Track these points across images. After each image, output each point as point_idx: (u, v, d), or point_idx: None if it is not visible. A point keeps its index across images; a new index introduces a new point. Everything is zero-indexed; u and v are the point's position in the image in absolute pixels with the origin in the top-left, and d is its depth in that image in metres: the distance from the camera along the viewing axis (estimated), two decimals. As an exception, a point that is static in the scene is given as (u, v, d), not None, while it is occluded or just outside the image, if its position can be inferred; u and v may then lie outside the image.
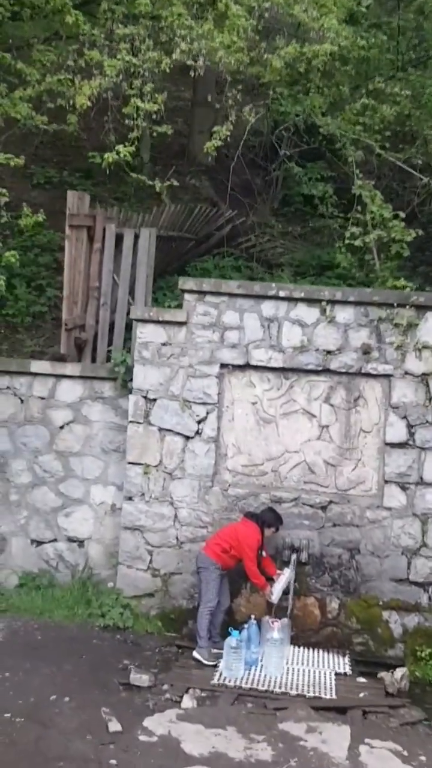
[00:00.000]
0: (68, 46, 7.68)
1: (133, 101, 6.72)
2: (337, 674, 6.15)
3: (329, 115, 9.17)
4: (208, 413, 7.01)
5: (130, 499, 7.07)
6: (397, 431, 6.78)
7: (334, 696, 5.77)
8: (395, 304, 6.81)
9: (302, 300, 6.94)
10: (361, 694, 5.85)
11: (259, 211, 11.36)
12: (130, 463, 7.08)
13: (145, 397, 7.08)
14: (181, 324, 7.05)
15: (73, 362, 7.82)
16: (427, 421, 6.73)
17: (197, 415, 7.01)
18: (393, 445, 6.79)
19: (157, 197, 10.13)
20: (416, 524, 6.71)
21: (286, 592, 6.51)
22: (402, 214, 7.97)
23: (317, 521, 6.81)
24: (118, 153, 6.72)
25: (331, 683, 5.97)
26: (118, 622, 6.73)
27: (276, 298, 6.95)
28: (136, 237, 8.24)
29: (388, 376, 6.84)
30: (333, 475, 6.94)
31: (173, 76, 12.14)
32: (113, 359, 7.48)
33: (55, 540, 7.51)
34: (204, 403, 7.00)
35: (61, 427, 7.53)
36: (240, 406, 7.07)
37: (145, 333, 7.12)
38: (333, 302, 6.88)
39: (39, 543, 7.53)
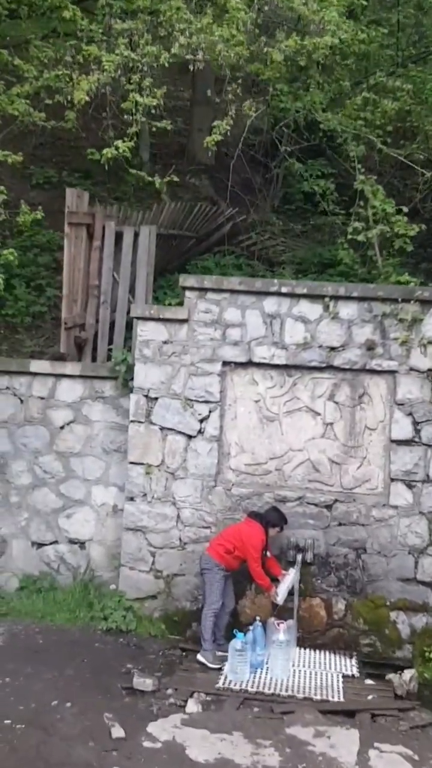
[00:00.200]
0: (66, 42, 7.61)
1: (131, 96, 6.62)
2: (344, 676, 6.04)
3: (330, 112, 9.09)
4: (210, 412, 6.90)
5: (131, 499, 6.96)
6: (403, 428, 6.67)
7: (341, 699, 5.65)
8: (399, 300, 6.70)
9: (305, 296, 6.83)
10: (370, 697, 5.73)
11: (259, 209, 11.28)
12: (131, 463, 6.97)
13: (146, 396, 6.98)
14: (182, 321, 6.95)
15: (73, 361, 7.73)
16: (433, 418, 6.63)
17: (199, 414, 6.90)
18: (399, 443, 6.68)
19: (156, 196, 10.05)
20: (423, 523, 6.60)
21: (291, 593, 6.41)
22: (405, 209, 7.86)
23: (322, 520, 6.70)
24: (116, 148, 6.61)
25: (338, 686, 5.85)
26: (121, 625, 6.62)
27: (278, 294, 6.85)
28: (136, 235, 8.15)
29: (392, 372, 6.73)
30: (338, 474, 6.83)
31: (172, 75, 12.11)
32: (114, 358, 7.39)
33: (56, 542, 7.41)
34: (206, 402, 6.89)
35: (62, 428, 7.43)
36: (243, 404, 6.96)
37: (145, 331, 7.02)
38: (336, 298, 6.78)
39: (40, 545, 7.43)
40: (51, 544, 7.41)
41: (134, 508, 6.94)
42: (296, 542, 6.57)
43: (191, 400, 6.90)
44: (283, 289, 6.83)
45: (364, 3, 9.18)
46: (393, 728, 5.30)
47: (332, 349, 6.79)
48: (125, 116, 6.88)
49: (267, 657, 6.05)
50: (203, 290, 6.91)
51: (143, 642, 6.51)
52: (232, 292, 6.89)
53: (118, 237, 8.14)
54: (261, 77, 8.90)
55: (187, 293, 6.95)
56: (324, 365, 6.81)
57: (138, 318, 7.07)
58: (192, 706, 5.41)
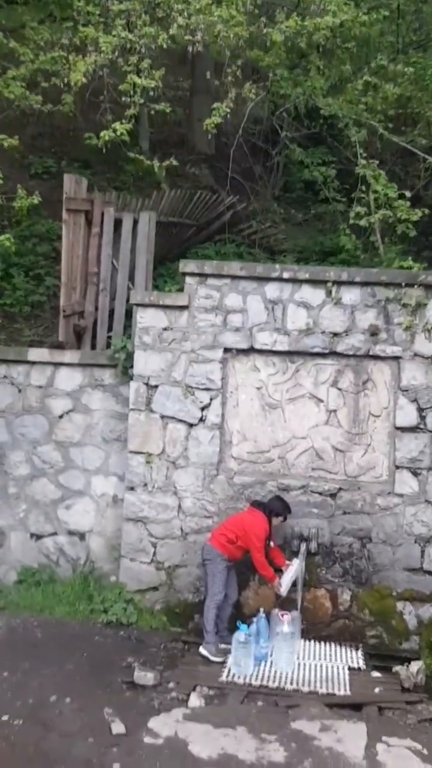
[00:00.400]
0: (63, 25, 7.45)
1: (129, 78, 6.45)
2: (350, 669, 5.90)
3: (330, 98, 8.93)
4: (211, 399, 6.76)
5: (132, 489, 6.82)
6: (408, 415, 6.53)
7: (348, 692, 5.51)
8: (403, 284, 6.56)
9: (307, 281, 6.68)
10: (376, 690, 5.58)
11: (260, 197, 11.14)
12: (131, 452, 6.84)
13: (146, 384, 6.84)
14: (182, 308, 6.80)
15: (71, 350, 7.59)
16: (439, 404, 6.48)
17: (200, 402, 6.76)
18: (404, 430, 6.53)
19: (156, 186, 9.92)
20: (429, 511, 6.45)
21: (295, 584, 6.27)
22: (407, 193, 7.70)
23: (327, 509, 6.56)
24: (114, 131, 6.44)
25: (344, 678, 5.71)
26: (122, 617, 6.50)
27: (280, 279, 6.70)
28: (136, 222, 8.00)
29: (396, 358, 6.59)
30: (342, 462, 6.68)
31: (171, 65, 11.96)
32: (113, 345, 7.25)
33: (55, 533, 7.28)
34: (207, 389, 6.75)
35: (61, 417, 7.30)
36: (244, 391, 6.82)
37: (145, 318, 6.87)
38: (339, 283, 6.63)
39: (38, 537, 7.30)
40: (50, 535, 7.29)
41: (135, 498, 6.81)
42: (300, 532, 6.44)
43: (192, 388, 6.76)
44: (285, 275, 6.68)
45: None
46: (401, 722, 5.16)
47: (335, 334, 6.65)
48: (123, 98, 6.70)
49: (271, 649, 5.92)
50: (204, 276, 6.77)
51: (144, 635, 6.38)
52: (233, 277, 6.74)
53: (117, 224, 7.99)
54: (260, 64, 8.76)
55: (188, 279, 6.81)
56: (327, 351, 6.66)
57: (137, 304, 6.92)
58: (194, 701, 5.27)
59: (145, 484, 6.80)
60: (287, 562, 6.28)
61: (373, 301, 6.60)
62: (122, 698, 5.32)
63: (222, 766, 4.50)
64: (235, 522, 6.23)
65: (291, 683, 5.59)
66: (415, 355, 6.54)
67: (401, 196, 7.63)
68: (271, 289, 6.71)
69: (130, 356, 7.00)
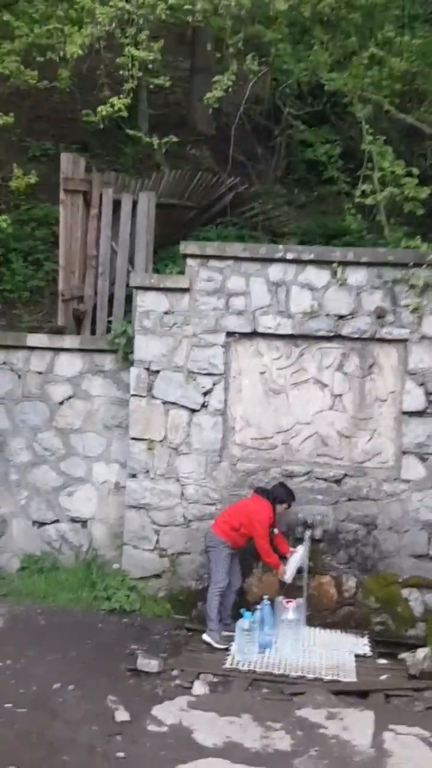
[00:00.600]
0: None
1: (127, 50, 6.27)
2: (356, 656, 5.84)
3: (335, 73, 8.73)
4: (214, 384, 6.65)
5: (134, 476, 6.74)
6: (415, 399, 6.41)
7: (354, 679, 5.45)
8: (411, 264, 6.42)
9: (311, 262, 6.54)
10: (383, 677, 5.53)
11: (262, 178, 10.97)
12: (133, 438, 6.75)
13: (147, 369, 6.73)
14: (183, 291, 6.67)
15: (71, 335, 7.48)
16: (446, 388, 6.37)
17: (203, 387, 6.65)
18: (410, 414, 6.42)
19: (156, 168, 9.75)
20: (436, 497, 6.37)
21: (300, 571, 6.20)
22: (415, 170, 7.52)
23: (331, 496, 6.47)
24: (112, 106, 6.27)
25: (350, 666, 5.65)
26: (125, 605, 6.45)
27: (283, 260, 6.56)
28: (135, 203, 7.84)
29: (404, 340, 6.46)
30: (347, 447, 6.58)
31: (170, 45, 11.75)
32: (113, 330, 7.14)
33: (57, 521, 7.21)
34: (209, 374, 6.64)
35: (61, 403, 7.20)
36: (248, 376, 6.70)
37: (146, 301, 6.75)
38: (344, 264, 6.49)
39: (41, 524, 7.24)
40: (52, 523, 7.22)
41: (137, 485, 6.72)
42: (304, 518, 6.35)
43: (194, 373, 6.65)
44: (289, 255, 6.54)
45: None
46: (408, 709, 5.10)
47: (340, 317, 6.52)
48: (121, 72, 6.52)
49: (276, 637, 5.85)
50: (205, 258, 6.63)
51: (148, 622, 6.33)
52: (236, 259, 6.60)
53: (116, 205, 7.84)
54: (262, 38, 8.54)
55: (189, 261, 6.67)
56: (332, 334, 6.54)
57: (138, 287, 6.80)
58: (198, 688, 5.22)
59: (147, 471, 6.71)
60: (291, 549, 6.20)
61: (379, 283, 6.47)
62: (126, 686, 5.28)
63: (227, 754, 4.44)
64: (238, 509, 6.15)
65: (296, 670, 5.53)
66: (423, 337, 6.42)
67: (409, 174, 7.45)
68: (275, 271, 6.57)
69: (130, 341, 6.89)
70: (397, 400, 6.51)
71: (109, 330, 7.47)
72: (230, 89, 7.18)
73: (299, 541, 6.30)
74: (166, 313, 6.71)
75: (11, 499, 7.26)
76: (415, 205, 7.44)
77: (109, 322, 7.64)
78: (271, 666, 5.58)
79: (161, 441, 6.69)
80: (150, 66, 6.49)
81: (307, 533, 6.30)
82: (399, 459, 6.47)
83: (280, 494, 6.19)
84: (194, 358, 6.65)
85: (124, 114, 6.59)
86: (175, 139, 7.15)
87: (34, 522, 7.25)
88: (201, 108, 11.56)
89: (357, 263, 6.49)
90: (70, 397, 7.19)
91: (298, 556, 6.16)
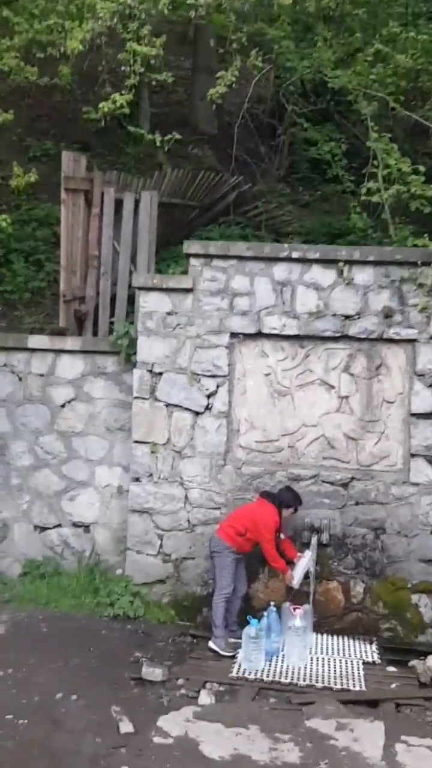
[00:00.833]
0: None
1: (129, 45, 6.15)
2: (364, 663, 5.72)
3: (339, 70, 8.62)
4: (218, 386, 6.53)
5: (137, 480, 6.62)
6: (424, 401, 6.29)
7: (363, 688, 5.32)
8: (419, 263, 6.30)
9: (317, 261, 6.42)
10: (393, 685, 5.40)
11: (265, 177, 10.85)
12: (136, 442, 6.63)
13: (150, 371, 6.61)
14: (187, 291, 6.56)
15: (73, 336, 7.37)
16: (456, 389, 6.24)
17: (207, 389, 6.53)
18: (419, 416, 6.30)
19: (158, 167, 9.63)
20: (446, 500, 6.24)
21: (307, 576, 6.07)
22: (421, 168, 7.41)
23: (338, 499, 6.35)
24: (114, 102, 6.16)
25: (359, 674, 5.53)
26: (128, 611, 6.33)
27: (289, 260, 6.44)
28: (137, 203, 7.73)
29: (412, 341, 6.34)
30: (354, 450, 6.46)
31: (172, 44, 11.65)
32: (116, 331, 7.02)
33: (59, 525, 7.10)
34: (214, 376, 6.52)
35: (63, 406, 7.09)
36: (252, 377, 6.58)
37: (148, 302, 6.63)
38: (351, 263, 6.37)
39: (42, 529, 7.13)
40: (54, 527, 7.11)
41: (140, 489, 6.60)
42: (311, 523, 6.24)
43: (198, 375, 6.53)
44: (294, 254, 6.42)
45: None
46: (419, 719, 4.97)
47: (347, 317, 6.40)
48: (122, 68, 6.40)
49: (282, 644, 5.73)
50: (209, 257, 6.51)
51: (152, 629, 6.21)
52: (240, 258, 6.48)
53: (118, 205, 7.73)
54: (265, 35, 8.44)
55: (192, 261, 6.56)
56: (338, 335, 6.42)
57: (140, 288, 6.69)
58: (204, 698, 5.10)
59: (151, 475, 6.60)
60: (298, 554, 6.09)
61: (386, 282, 6.35)
62: (130, 695, 5.16)
63: (235, 767, 4.33)
64: (243, 513, 6.03)
65: (304, 679, 5.42)
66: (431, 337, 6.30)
67: (415, 171, 7.33)
68: (280, 270, 6.45)
69: (133, 342, 6.77)
70: (405, 401, 6.39)
71: (111, 331, 7.37)
72: (234, 85, 7.07)
73: (306, 545, 6.19)
74: (169, 313, 6.60)
75: (12, 504, 7.15)
76: (421, 203, 7.33)
77: (111, 323, 7.53)
78: (279, 674, 5.46)
79: (165, 444, 6.58)
80: (152, 62, 6.37)
81: (314, 538, 6.18)
82: (407, 462, 6.35)
83: (286, 498, 6.07)
84: (198, 360, 6.54)
85: (126, 111, 6.47)
86: (177, 136, 7.03)
87: (36, 526, 7.13)
88: (203, 107, 11.50)
89: (364, 262, 6.37)
90: (71, 400, 7.08)
91: (305, 561, 6.05)
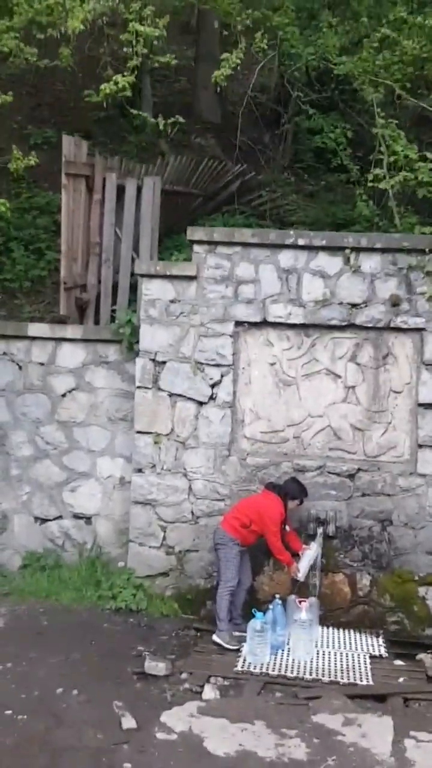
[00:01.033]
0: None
1: (131, 26, 6.01)
2: (371, 657, 5.61)
3: (344, 56, 8.48)
4: (222, 376, 6.41)
5: (140, 471, 6.50)
6: (431, 390, 6.16)
7: (370, 682, 5.21)
8: (427, 250, 6.17)
9: (323, 248, 6.30)
10: (401, 679, 5.29)
11: (269, 166, 10.72)
12: (138, 432, 6.51)
13: (153, 360, 6.49)
14: (190, 278, 6.43)
15: (74, 324, 7.23)
16: (464, 379, 6.12)
17: (211, 379, 6.41)
18: (427, 406, 6.18)
19: (160, 155, 9.48)
20: (454, 492, 6.13)
21: (313, 569, 5.96)
22: (430, 155, 7.27)
23: (345, 491, 6.23)
24: (116, 83, 6.01)
25: (366, 668, 5.42)
26: (131, 604, 6.22)
27: (294, 246, 6.31)
28: (139, 189, 7.59)
29: (420, 330, 6.21)
30: (361, 441, 6.34)
31: (174, 34, 11.51)
32: (118, 320, 6.89)
33: (60, 517, 6.98)
34: (218, 365, 6.40)
35: (63, 395, 6.97)
36: (257, 367, 6.46)
37: (151, 289, 6.50)
38: (357, 250, 6.25)
39: (43, 521, 7.01)
40: (55, 519, 6.99)
41: (143, 480, 6.49)
42: (317, 515, 6.13)
43: (202, 364, 6.41)
44: (300, 241, 6.29)
45: None
46: (429, 714, 4.86)
47: (354, 305, 6.27)
48: (124, 49, 6.26)
49: (288, 637, 5.62)
50: (213, 244, 6.38)
51: (154, 622, 6.10)
52: (245, 245, 6.36)
53: (120, 191, 7.59)
54: (269, 21, 8.28)
55: (196, 247, 6.43)
56: (345, 324, 6.29)
57: (143, 276, 6.56)
58: (209, 692, 4.99)
59: (154, 466, 6.48)
60: (304, 546, 5.98)
61: (394, 270, 6.22)
62: (132, 690, 5.05)
63: (240, 764, 4.22)
64: (248, 505, 5.91)
65: (310, 673, 5.31)
66: (439, 326, 6.19)
67: (422, 158, 7.19)
68: (285, 258, 6.33)
69: (135, 331, 6.64)
70: (412, 391, 6.27)
71: (113, 319, 7.24)
72: (238, 68, 6.91)
73: (311, 537, 6.08)
74: (172, 301, 6.47)
75: (12, 495, 7.04)
76: (428, 190, 7.19)
77: (113, 311, 7.40)
78: (285, 668, 5.35)
79: (168, 434, 6.46)
80: (155, 42, 6.22)
81: (320, 530, 6.08)
82: (415, 453, 6.23)
83: (291, 490, 5.96)
84: (202, 349, 6.41)
85: (128, 93, 6.32)
86: (181, 120, 6.88)
87: (36, 518, 7.02)
88: (206, 96, 11.35)
89: (371, 249, 6.24)
90: (73, 389, 6.96)
91: (310, 553, 5.93)
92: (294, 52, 9.09)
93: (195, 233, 6.47)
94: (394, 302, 6.22)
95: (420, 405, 6.21)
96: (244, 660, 5.42)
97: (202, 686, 5.06)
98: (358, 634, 5.96)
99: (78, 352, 6.95)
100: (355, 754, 4.33)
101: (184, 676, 5.21)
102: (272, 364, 6.46)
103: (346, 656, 5.58)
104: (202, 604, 6.28)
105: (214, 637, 5.70)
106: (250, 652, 5.44)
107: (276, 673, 5.28)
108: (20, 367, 7.04)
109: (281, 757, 4.27)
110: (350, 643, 5.81)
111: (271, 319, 6.36)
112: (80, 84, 10.87)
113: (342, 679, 5.24)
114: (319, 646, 5.69)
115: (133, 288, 7.32)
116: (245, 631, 5.53)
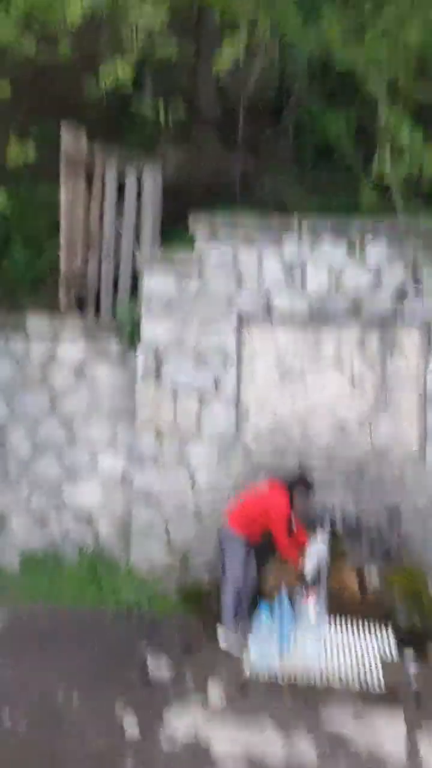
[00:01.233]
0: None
1: (132, 13, 5.87)
2: (381, 653, 5.44)
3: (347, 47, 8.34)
4: (225, 368, 6.29)
5: (142, 466, 6.36)
6: (440, 381, 6.05)
7: (381, 679, 5.05)
8: (434, 238, 6.04)
9: (328, 236, 6.17)
10: (412, 675, 5.13)
11: (270, 160, 10.61)
12: (140, 426, 6.37)
13: (155, 354, 6.36)
14: (192, 269, 6.32)
15: (74, 318, 7.09)
16: (473, 369, 5.99)
17: (214, 371, 6.28)
18: (435, 397, 6.06)
19: (162, 153, 9.36)
20: (464, 485, 6.00)
21: (319, 564, 5.80)
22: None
23: (351, 484, 6.10)
24: (116, 71, 5.87)
25: (376, 664, 5.26)
26: (133, 603, 6.10)
27: (298, 235, 6.17)
28: (140, 182, 7.47)
29: (426, 320, 6.07)
30: (368, 433, 6.20)
31: (176, 29, 11.42)
32: (118, 312, 6.75)
33: (60, 514, 6.85)
34: (221, 357, 6.28)
35: (64, 390, 6.84)
36: (261, 359, 6.33)
37: (153, 281, 6.38)
38: (363, 237, 6.13)
39: (43, 518, 6.88)
40: (55, 516, 6.86)
41: (145, 475, 6.36)
42: (323, 508, 5.99)
43: (204, 356, 6.27)
44: (304, 229, 6.17)
45: None
46: (442, 711, 4.72)
47: (359, 295, 6.14)
48: (124, 34, 6.13)
49: (295, 636, 5.46)
50: (215, 233, 6.25)
51: (157, 621, 5.96)
52: (248, 233, 6.23)
53: (120, 185, 7.45)
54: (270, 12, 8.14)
55: (198, 236, 6.33)
56: (350, 313, 6.17)
57: (144, 267, 6.43)
58: (214, 695, 4.84)
59: (156, 461, 6.35)
60: (310, 540, 5.82)
61: (400, 258, 6.09)
62: (135, 692, 4.90)
63: None
64: (254, 501, 5.75)
65: (318, 672, 5.15)
66: (447, 316, 6.06)
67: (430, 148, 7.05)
68: (289, 246, 6.20)
69: (137, 324, 6.52)
70: (419, 382, 6.14)
71: (114, 313, 7.11)
72: (240, 59, 6.78)
73: (318, 531, 5.92)
74: (174, 293, 6.35)
75: (11, 492, 6.91)
76: (434, 180, 7.04)
77: (114, 304, 7.27)
78: (292, 668, 5.19)
79: (170, 428, 6.32)
80: (156, 29, 6.09)
81: (327, 524, 5.94)
82: (423, 444, 6.11)
83: (298, 483, 5.80)
84: (204, 341, 6.28)
85: (130, 79, 6.18)
86: (182, 104, 6.73)
87: (36, 516, 6.89)
88: (206, 91, 11.24)
89: (376, 237, 6.12)
90: (73, 383, 6.83)
91: (317, 548, 5.78)
92: (295, 43, 8.97)
93: (197, 223, 6.35)
94: (401, 291, 6.08)
95: (427, 395, 6.07)
96: (251, 660, 5.27)
97: (207, 688, 4.91)
98: (366, 630, 5.80)
99: (78, 346, 6.83)
100: (367, 755, 4.18)
101: (188, 677, 5.07)
102: (277, 356, 6.33)
103: (355, 653, 5.43)
104: (207, 601, 6.12)
105: (219, 636, 5.54)
106: (256, 651, 5.28)
107: (283, 672, 5.12)
108: (19, 362, 6.92)
109: (290, 760, 4.11)
110: (359, 639, 5.65)
111: (275, 309, 6.23)
112: (80, 79, 10.77)
113: (351, 677, 5.08)
114: (327, 644, 5.53)
115: (135, 280, 7.20)
116: (251, 630, 5.37)
